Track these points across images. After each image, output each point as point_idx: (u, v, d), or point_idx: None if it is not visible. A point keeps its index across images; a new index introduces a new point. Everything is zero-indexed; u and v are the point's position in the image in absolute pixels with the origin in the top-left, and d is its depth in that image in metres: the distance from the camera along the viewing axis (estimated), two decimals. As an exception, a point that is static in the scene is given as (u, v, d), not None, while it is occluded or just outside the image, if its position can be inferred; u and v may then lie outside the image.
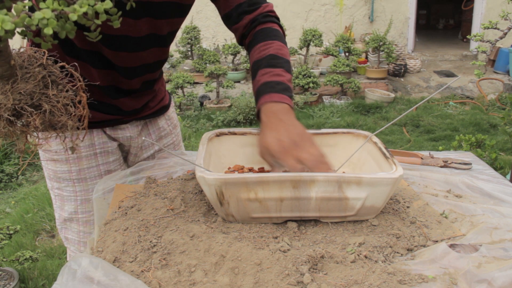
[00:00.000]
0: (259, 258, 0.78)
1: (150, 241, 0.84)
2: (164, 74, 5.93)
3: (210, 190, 0.86)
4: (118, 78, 1.15)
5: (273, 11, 1.18)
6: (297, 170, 0.88)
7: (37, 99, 0.74)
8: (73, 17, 0.57)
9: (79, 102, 0.79)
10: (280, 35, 1.14)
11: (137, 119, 1.28)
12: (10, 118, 0.73)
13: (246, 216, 0.90)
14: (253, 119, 4.98)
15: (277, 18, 1.19)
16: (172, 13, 1.11)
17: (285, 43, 1.14)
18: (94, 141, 1.21)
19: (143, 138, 1.21)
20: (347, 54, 6.07)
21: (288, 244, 0.84)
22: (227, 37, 7.47)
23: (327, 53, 5.97)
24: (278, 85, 1.03)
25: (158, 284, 0.74)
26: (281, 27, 1.18)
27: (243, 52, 6.36)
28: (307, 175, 0.85)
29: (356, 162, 1.08)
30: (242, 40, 1.20)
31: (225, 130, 1.10)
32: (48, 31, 0.57)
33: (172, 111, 1.42)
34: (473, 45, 7.22)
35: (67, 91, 0.77)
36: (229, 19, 1.17)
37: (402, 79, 6.55)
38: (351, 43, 6.01)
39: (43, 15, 0.56)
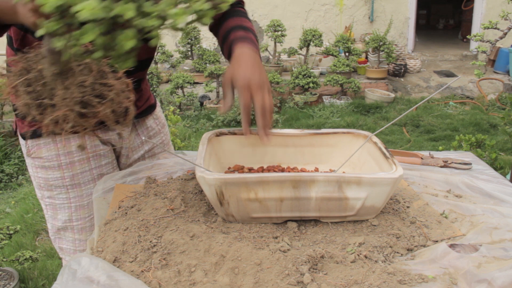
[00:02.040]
0: (259, 258, 0.78)
1: (150, 241, 0.84)
2: (164, 74, 5.84)
3: (210, 190, 0.86)
4: None
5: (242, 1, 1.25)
6: (246, 106, 0.98)
7: (99, 89, 0.78)
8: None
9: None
10: (246, 15, 1.21)
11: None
12: (82, 111, 0.76)
13: (246, 216, 0.90)
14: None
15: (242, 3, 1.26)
16: None
17: (250, 20, 1.21)
18: (86, 144, 1.19)
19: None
20: (347, 54, 6.07)
21: (288, 244, 0.84)
22: (227, 37, 7.47)
23: (327, 53, 5.97)
24: (253, 40, 1.11)
25: (158, 284, 0.74)
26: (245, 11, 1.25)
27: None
28: (307, 175, 0.85)
29: (356, 162, 1.08)
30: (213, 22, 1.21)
31: (225, 130, 1.10)
32: (206, 20, 0.65)
33: (159, 111, 1.42)
34: (473, 45, 7.22)
35: (118, 78, 0.81)
36: None
37: (402, 79, 6.55)
38: (351, 43, 6.01)
39: (201, 6, 0.62)
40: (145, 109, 1.33)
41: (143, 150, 1.35)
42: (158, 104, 1.44)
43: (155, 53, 1.29)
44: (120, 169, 1.34)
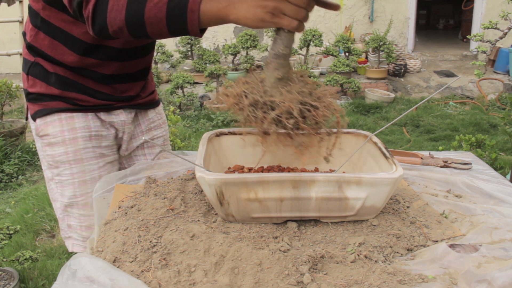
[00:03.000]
0: (259, 258, 0.78)
1: (150, 241, 0.84)
2: (164, 74, 5.83)
3: (210, 190, 0.86)
4: (123, 63, 1.22)
5: None
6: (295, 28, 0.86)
7: (314, 97, 0.88)
8: None
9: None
10: None
11: (129, 106, 1.33)
12: (304, 109, 0.86)
13: (246, 216, 0.90)
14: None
15: None
16: None
17: None
18: (90, 123, 1.25)
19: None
20: (347, 54, 6.07)
21: (288, 244, 0.84)
22: (227, 37, 7.48)
23: (327, 53, 5.97)
24: None
25: (158, 284, 0.74)
26: None
27: (243, 52, 6.36)
28: (307, 175, 0.85)
29: (356, 162, 1.08)
30: None
31: (225, 130, 1.10)
32: None
33: (161, 108, 1.47)
34: (473, 45, 7.21)
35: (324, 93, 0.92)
36: None
37: (402, 79, 6.55)
38: (351, 43, 6.01)
39: None
40: (148, 102, 1.38)
41: (143, 139, 1.40)
42: (161, 104, 1.49)
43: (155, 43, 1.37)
44: (120, 156, 1.39)
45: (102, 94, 1.25)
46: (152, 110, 1.41)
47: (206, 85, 5.42)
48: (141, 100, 1.35)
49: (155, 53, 5.95)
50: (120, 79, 1.26)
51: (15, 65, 6.79)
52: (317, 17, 7.43)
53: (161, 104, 1.48)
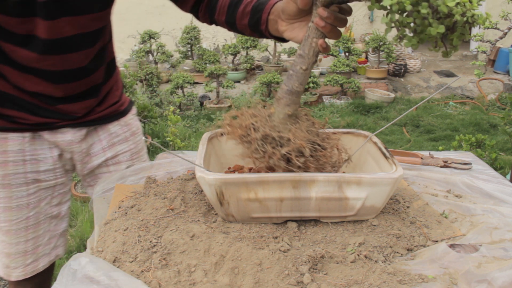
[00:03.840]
0: (259, 258, 0.78)
1: (150, 241, 0.84)
2: (164, 74, 5.78)
3: (210, 190, 0.86)
4: (49, 84, 1.09)
5: None
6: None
7: (321, 138, 0.88)
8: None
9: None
10: None
11: (79, 124, 1.19)
12: (315, 147, 0.86)
13: (246, 216, 0.90)
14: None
15: None
16: (93, 7, 1.04)
17: None
18: (25, 146, 1.14)
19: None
20: (347, 54, 6.07)
21: (288, 244, 0.84)
22: (227, 37, 7.48)
23: (327, 53, 5.98)
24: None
25: (158, 284, 0.74)
26: None
27: (243, 52, 6.36)
28: (307, 175, 0.85)
29: (356, 162, 1.08)
30: (202, 1, 1.13)
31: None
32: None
33: (131, 118, 1.33)
34: (473, 45, 7.21)
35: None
36: None
37: (402, 79, 6.55)
38: (351, 43, 6.01)
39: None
40: (108, 115, 1.25)
41: (105, 156, 1.28)
42: (133, 111, 1.36)
43: (108, 56, 1.22)
44: (79, 176, 1.30)
45: (44, 111, 1.12)
46: (115, 122, 1.28)
47: (206, 85, 5.42)
48: (97, 115, 1.22)
49: (155, 53, 5.97)
50: (61, 100, 1.13)
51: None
52: (317, 17, 7.42)
53: (130, 113, 1.34)
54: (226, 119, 0.91)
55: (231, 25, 1.09)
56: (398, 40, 0.69)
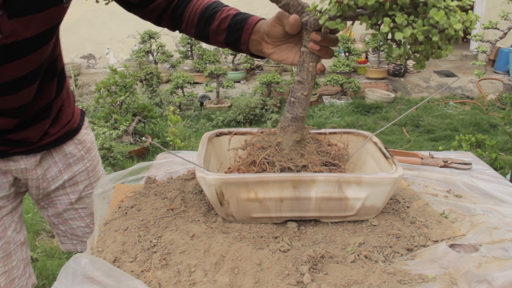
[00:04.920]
0: (259, 258, 0.78)
1: (150, 241, 0.84)
2: (164, 74, 5.76)
3: (210, 190, 0.86)
4: None
5: None
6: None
7: (332, 156, 0.92)
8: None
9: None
10: None
11: (32, 150, 1.11)
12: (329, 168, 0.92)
13: (246, 216, 0.90)
14: (253, 119, 4.98)
15: None
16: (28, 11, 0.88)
17: None
18: None
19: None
20: (347, 54, 6.07)
21: (288, 244, 0.84)
22: (227, 37, 7.46)
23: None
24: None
25: (158, 284, 0.74)
26: None
27: (243, 52, 6.35)
28: (307, 175, 0.85)
29: (356, 162, 1.08)
30: (166, 11, 1.06)
31: (225, 130, 1.10)
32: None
33: (84, 133, 1.25)
34: (473, 45, 7.21)
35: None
36: (144, 2, 1.03)
37: (402, 79, 6.55)
38: (351, 43, 6.01)
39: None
40: (61, 136, 1.17)
41: (62, 179, 1.21)
42: (85, 125, 1.27)
43: (56, 71, 1.08)
44: (34, 200, 1.23)
45: None
46: (70, 142, 1.19)
47: (206, 85, 5.42)
48: (51, 138, 1.13)
49: (155, 53, 5.97)
50: (11, 131, 1.04)
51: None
52: (317, 17, 7.42)
53: (83, 128, 1.24)
54: (235, 159, 0.93)
55: (201, 38, 1.06)
56: (404, 61, 0.71)
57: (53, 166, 1.18)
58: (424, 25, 0.65)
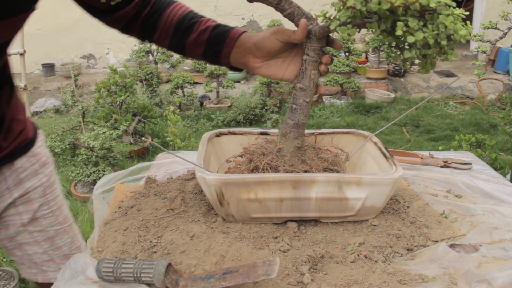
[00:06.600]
0: (259, 258, 0.78)
1: (150, 241, 0.84)
2: (164, 74, 5.74)
3: (210, 190, 0.86)
4: None
5: None
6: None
7: (330, 162, 0.94)
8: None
9: None
10: None
11: None
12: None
13: (246, 216, 0.90)
14: (253, 119, 4.98)
15: None
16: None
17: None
18: None
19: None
20: (347, 54, 6.07)
21: (288, 244, 0.84)
22: (227, 37, 7.46)
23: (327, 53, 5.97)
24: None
25: (158, 284, 0.74)
26: None
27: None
28: (307, 175, 0.85)
29: (356, 162, 1.08)
30: (136, 19, 1.00)
31: (225, 130, 1.10)
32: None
33: (39, 146, 1.11)
34: (473, 45, 7.21)
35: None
36: (111, 8, 0.96)
37: (402, 79, 6.55)
38: (351, 43, 6.01)
39: None
40: (13, 150, 1.04)
41: (12, 197, 1.07)
42: (40, 138, 1.14)
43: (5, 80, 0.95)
44: None
45: None
46: (22, 156, 1.06)
47: (206, 85, 5.42)
48: (3, 152, 1.01)
49: (155, 53, 5.97)
50: None
51: (15, 65, 6.80)
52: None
53: (37, 141, 1.12)
54: (236, 165, 0.93)
55: (176, 50, 1.02)
56: (408, 66, 0.74)
57: (1, 182, 1.05)
58: (433, 30, 0.69)
